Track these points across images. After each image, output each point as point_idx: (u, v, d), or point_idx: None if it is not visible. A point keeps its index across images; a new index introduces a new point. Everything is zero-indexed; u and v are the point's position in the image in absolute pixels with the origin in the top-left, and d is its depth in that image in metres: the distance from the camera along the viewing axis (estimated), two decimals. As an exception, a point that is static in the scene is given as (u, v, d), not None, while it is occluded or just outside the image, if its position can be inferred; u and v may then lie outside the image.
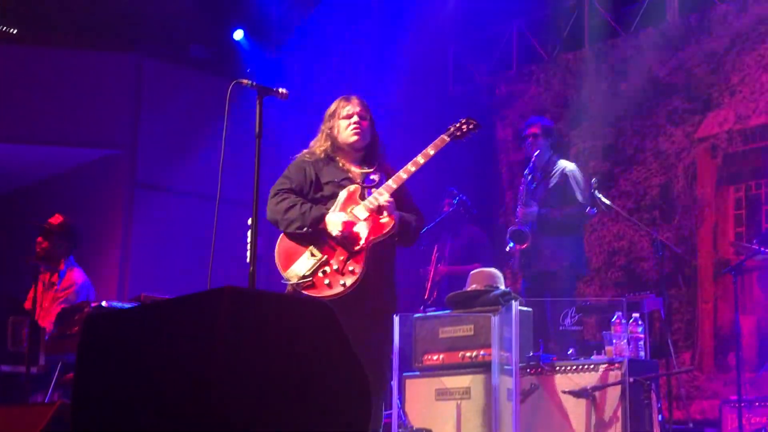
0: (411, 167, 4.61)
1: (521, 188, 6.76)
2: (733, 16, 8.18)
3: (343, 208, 4.59)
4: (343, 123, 4.73)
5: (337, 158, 4.75)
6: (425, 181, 4.99)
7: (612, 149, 8.80)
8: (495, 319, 5.59)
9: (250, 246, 4.64)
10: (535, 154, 6.80)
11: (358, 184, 4.66)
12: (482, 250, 7.73)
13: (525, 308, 5.69)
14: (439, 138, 4.74)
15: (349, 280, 4.43)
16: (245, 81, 4.73)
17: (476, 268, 7.18)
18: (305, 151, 4.87)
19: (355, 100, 4.79)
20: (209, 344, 2.15)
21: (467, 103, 9.82)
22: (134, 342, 2.29)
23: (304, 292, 4.47)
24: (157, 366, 2.22)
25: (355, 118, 4.72)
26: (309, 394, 2.20)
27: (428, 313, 6.14)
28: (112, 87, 9.38)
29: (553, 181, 6.82)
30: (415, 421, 5.75)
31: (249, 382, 2.13)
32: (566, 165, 6.92)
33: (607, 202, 6.68)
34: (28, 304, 6.02)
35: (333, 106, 4.83)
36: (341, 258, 4.49)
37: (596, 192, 6.61)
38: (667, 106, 8.47)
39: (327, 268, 4.50)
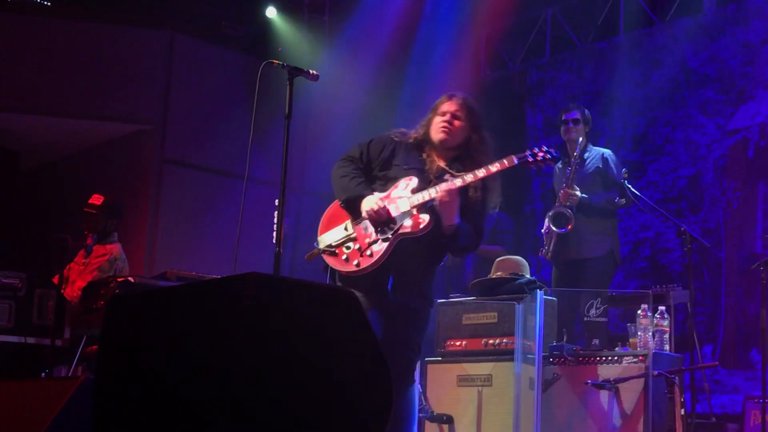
0: (469, 177, 4.51)
1: (568, 170, 6.62)
2: (771, 7, 8.08)
3: (389, 194, 4.57)
4: (437, 119, 4.69)
5: (426, 148, 4.70)
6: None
7: (642, 139, 8.73)
8: (519, 307, 5.57)
9: (277, 227, 4.67)
10: (579, 140, 6.70)
11: (421, 177, 4.58)
12: (506, 234, 7.68)
13: (550, 297, 5.66)
14: (507, 157, 4.57)
15: (364, 262, 4.46)
16: (276, 61, 4.75)
17: (498, 250, 7.26)
18: (400, 129, 4.81)
19: (456, 99, 4.73)
20: (231, 331, 2.14)
21: (499, 90, 9.78)
22: (156, 326, 2.29)
23: (324, 256, 4.58)
24: (179, 351, 2.22)
25: (447, 117, 4.66)
26: (330, 382, 2.20)
27: (452, 299, 6.11)
28: (144, 63, 9.42)
29: (592, 166, 6.76)
30: (436, 406, 5.76)
31: (270, 368, 2.13)
32: (603, 150, 6.88)
33: (636, 192, 6.62)
34: (56, 279, 6.06)
35: (437, 101, 4.79)
36: (367, 240, 4.51)
37: (625, 182, 6.55)
38: (699, 97, 8.39)
39: (351, 245, 4.55)
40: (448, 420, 5.67)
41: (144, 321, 2.33)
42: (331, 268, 4.63)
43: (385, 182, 4.63)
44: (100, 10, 9.31)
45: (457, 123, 4.65)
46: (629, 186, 6.56)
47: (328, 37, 10.20)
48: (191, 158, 9.49)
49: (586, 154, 6.82)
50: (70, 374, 5.59)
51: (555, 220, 6.50)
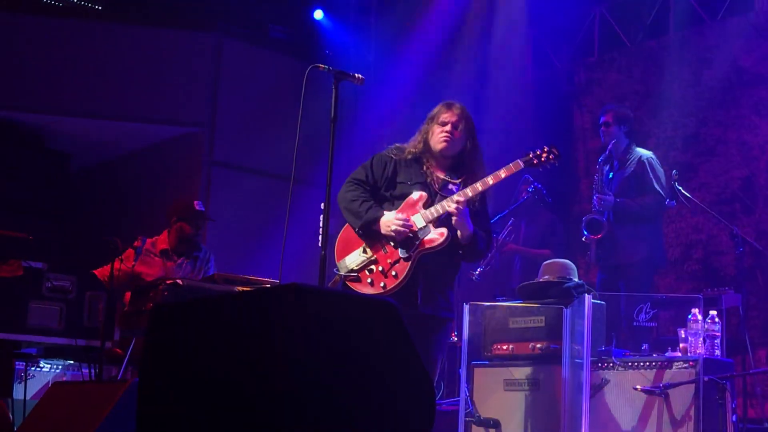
0: (479, 186, 4.67)
1: (596, 176, 6.63)
2: (825, 5, 7.92)
3: (404, 211, 4.66)
4: (437, 129, 4.78)
5: (425, 161, 4.80)
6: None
7: (693, 139, 8.60)
8: (567, 312, 5.51)
9: (322, 230, 4.68)
10: (612, 143, 6.68)
11: (428, 191, 4.72)
12: (555, 237, 7.63)
13: (598, 301, 5.60)
14: (513, 162, 4.74)
15: (389, 284, 4.58)
16: (322, 66, 4.79)
17: (546, 253, 7.25)
18: (396, 145, 4.91)
19: (455, 109, 4.82)
20: (273, 341, 2.15)
21: (545, 90, 9.69)
22: (199, 334, 2.30)
23: (348, 283, 4.67)
24: (221, 359, 2.22)
25: (448, 127, 4.76)
26: (372, 394, 2.19)
27: (499, 303, 6.07)
28: (192, 66, 9.49)
29: (630, 169, 6.71)
30: (483, 410, 5.73)
31: (311, 379, 2.13)
32: (643, 153, 6.81)
33: (687, 194, 6.54)
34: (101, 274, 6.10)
35: (434, 110, 4.87)
36: (388, 261, 4.64)
37: (676, 183, 6.46)
38: (752, 97, 8.24)
39: (373, 268, 4.65)
40: (495, 424, 5.65)
41: (185, 329, 2.34)
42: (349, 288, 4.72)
43: (393, 201, 4.74)
44: (149, 14, 9.40)
45: (456, 133, 4.76)
46: (680, 188, 6.48)
47: (375, 38, 10.20)
48: (240, 160, 9.56)
49: (628, 156, 6.77)
50: (120, 377, 5.64)
51: (589, 227, 6.51)
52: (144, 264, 6.52)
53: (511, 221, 7.70)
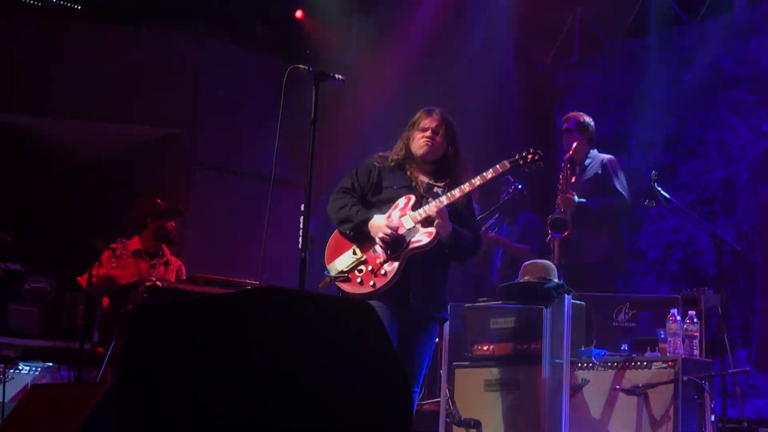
0: (466, 187, 4.80)
1: (560, 176, 6.67)
2: (804, 6, 7.97)
3: (390, 215, 4.77)
4: (418, 134, 4.90)
5: (407, 167, 4.92)
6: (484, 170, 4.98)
7: (673, 140, 8.64)
8: (547, 312, 5.51)
9: (303, 232, 4.71)
10: (573, 146, 6.74)
11: (414, 194, 4.83)
12: (534, 235, 7.64)
13: (578, 302, 5.60)
14: (500, 163, 4.89)
15: (379, 282, 4.67)
16: (302, 66, 4.81)
17: (525, 250, 7.27)
18: (379, 154, 5.02)
19: (435, 115, 4.94)
20: (248, 345, 2.18)
21: (527, 91, 9.72)
22: (176, 337, 2.31)
23: (337, 284, 4.75)
24: (197, 363, 2.24)
25: (429, 132, 4.88)
26: (348, 394, 2.21)
27: (479, 303, 6.05)
28: (174, 66, 9.46)
29: (591, 172, 6.77)
30: (464, 410, 5.73)
31: (286, 381, 2.15)
32: (603, 156, 6.87)
33: (666, 195, 6.57)
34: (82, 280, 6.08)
35: (415, 117, 5.00)
36: (378, 261, 4.71)
37: (655, 185, 6.50)
38: (732, 98, 8.28)
39: (363, 268, 4.73)
40: (476, 425, 5.64)
41: (164, 332, 2.35)
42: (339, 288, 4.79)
43: (380, 206, 4.84)
44: (129, 14, 9.36)
45: (437, 138, 4.88)
46: (659, 188, 6.51)
47: (357, 38, 10.20)
48: (222, 161, 9.53)
49: (587, 161, 6.85)
50: (98, 378, 5.62)
51: (553, 226, 6.54)
52: (118, 267, 6.49)
53: (495, 216, 7.76)
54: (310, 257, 4.60)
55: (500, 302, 5.81)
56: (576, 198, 6.56)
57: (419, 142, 4.88)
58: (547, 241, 6.71)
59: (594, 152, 6.91)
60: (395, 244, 4.70)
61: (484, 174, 4.81)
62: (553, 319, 5.50)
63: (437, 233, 4.71)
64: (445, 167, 4.93)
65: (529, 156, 4.95)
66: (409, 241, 4.71)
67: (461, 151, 4.96)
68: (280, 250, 5.97)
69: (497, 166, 4.86)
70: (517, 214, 7.85)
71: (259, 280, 5.14)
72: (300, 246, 4.66)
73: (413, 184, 4.88)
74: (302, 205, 4.80)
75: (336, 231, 4.90)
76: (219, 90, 9.50)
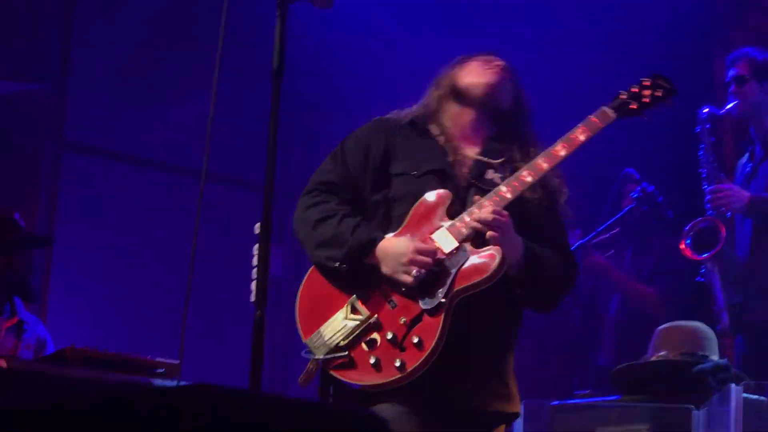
0: (543, 163, 3.18)
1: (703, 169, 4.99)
2: None
3: (414, 229, 3.14)
4: (475, 63, 3.37)
5: (440, 129, 3.29)
6: (588, 155, 3.34)
7: None
8: (699, 414, 4.03)
9: (258, 270, 2.83)
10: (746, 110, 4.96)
11: (451, 185, 3.20)
12: (670, 274, 5.75)
13: (755, 396, 4.00)
14: (598, 112, 3.25)
15: (412, 359, 3.04)
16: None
17: (654, 295, 5.72)
18: (384, 116, 3.39)
19: (497, 59, 3.53)
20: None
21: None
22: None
23: (333, 373, 3.10)
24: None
25: (498, 61, 3.37)
26: None
27: (578, 401, 4.62)
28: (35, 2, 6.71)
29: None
30: None
31: None
32: None
33: None
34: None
35: (458, 58, 3.49)
36: (402, 320, 3.08)
37: None
38: None
39: (376, 337, 3.12)
40: None
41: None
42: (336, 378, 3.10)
43: (388, 210, 3.25)
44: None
45: (508, 75, 3.39)
46: None
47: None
48: (107, 141, 6.53)
49: None
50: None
51: (696, 237, 4.96)
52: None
53: (613, 232, 5.87)
54: (273, 315, 3.19)
55: (615, 398, 4.43)
56: (746, 194, 4.84)
57: (484, 69, 3.28)
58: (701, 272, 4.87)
59: None
60: (429, 283, 3.03)
61: (575, 136, 3.15)
62: (711, 426, 4.03)
63: (503, 258, 3.00)
64: (509, 130, 3.30)
65: (646, 91, 3.25)
66: (456, 275, 3.02)
67: (529, 112, 3.41)
68: (219, 300, 4.13)
69: (591, 117, 3.19)
70: (651, 238, 5.79)
71: (179, 359, 3.36)
72: (253, 297, 2.83)
73: (451, 160, 3.19)
74: (256, 225, 2.93)
75: (311, 271, 3.23)
76: (96, 34, 6.43)
